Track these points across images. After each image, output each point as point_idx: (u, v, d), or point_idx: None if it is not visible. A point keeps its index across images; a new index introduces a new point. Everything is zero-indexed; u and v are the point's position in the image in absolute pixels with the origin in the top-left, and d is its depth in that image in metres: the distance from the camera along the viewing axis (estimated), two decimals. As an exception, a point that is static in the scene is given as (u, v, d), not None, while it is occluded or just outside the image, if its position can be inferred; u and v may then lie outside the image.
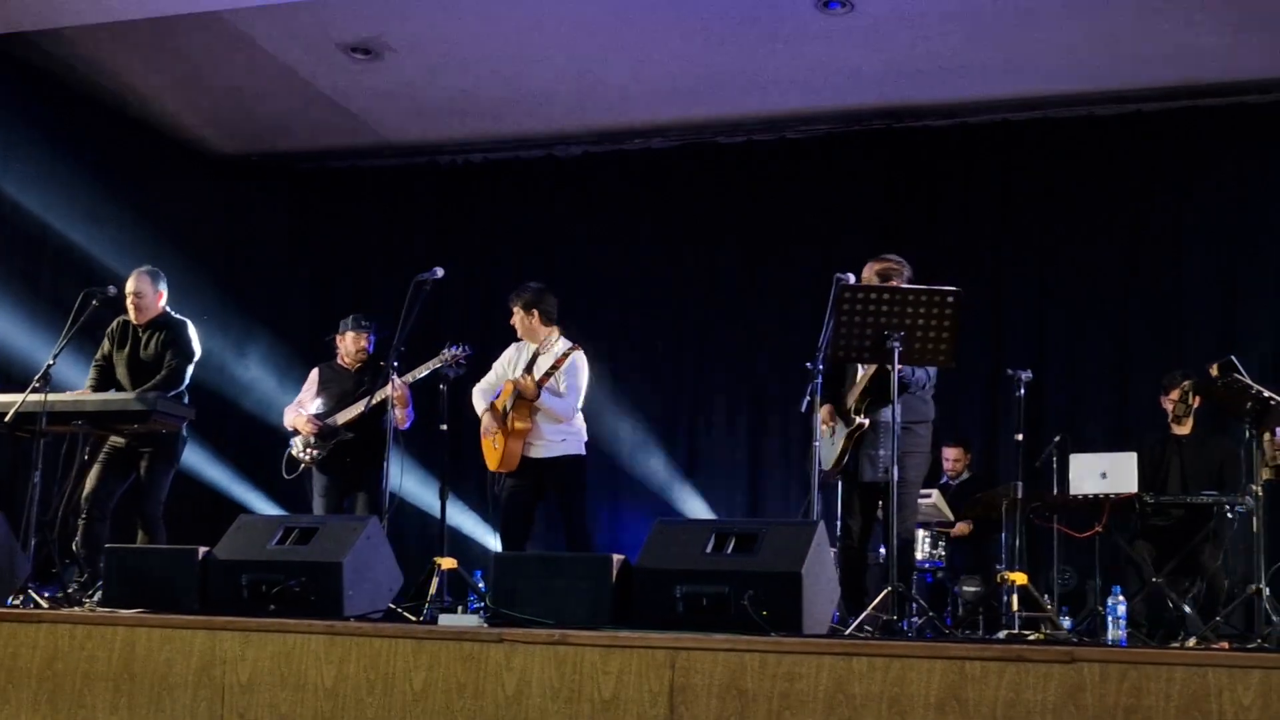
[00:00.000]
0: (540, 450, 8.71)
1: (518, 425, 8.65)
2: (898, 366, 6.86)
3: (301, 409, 9.39)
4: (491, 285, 12.97)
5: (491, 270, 13.02)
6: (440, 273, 8.76)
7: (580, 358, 8.83)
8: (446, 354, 8.86)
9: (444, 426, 8.28)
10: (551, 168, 13.04)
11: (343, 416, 9.20)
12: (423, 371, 8.84)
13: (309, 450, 9.23)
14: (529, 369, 8.72)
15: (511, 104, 12.12)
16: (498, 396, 8.87)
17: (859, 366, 7.43)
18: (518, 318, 8.97)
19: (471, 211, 13.21)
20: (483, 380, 9.02)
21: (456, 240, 13.15)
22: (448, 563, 7.71)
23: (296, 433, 9.33)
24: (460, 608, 8.05)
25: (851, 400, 7.44)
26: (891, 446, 6.87)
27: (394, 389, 8.78)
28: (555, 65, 11.24)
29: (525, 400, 8.64)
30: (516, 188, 13.10)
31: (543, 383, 8.65)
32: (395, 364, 8.59)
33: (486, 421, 8.78)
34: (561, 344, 8.89)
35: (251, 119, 12.63)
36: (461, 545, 11.25)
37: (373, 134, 12.89)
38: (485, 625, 5.91)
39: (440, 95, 11.95)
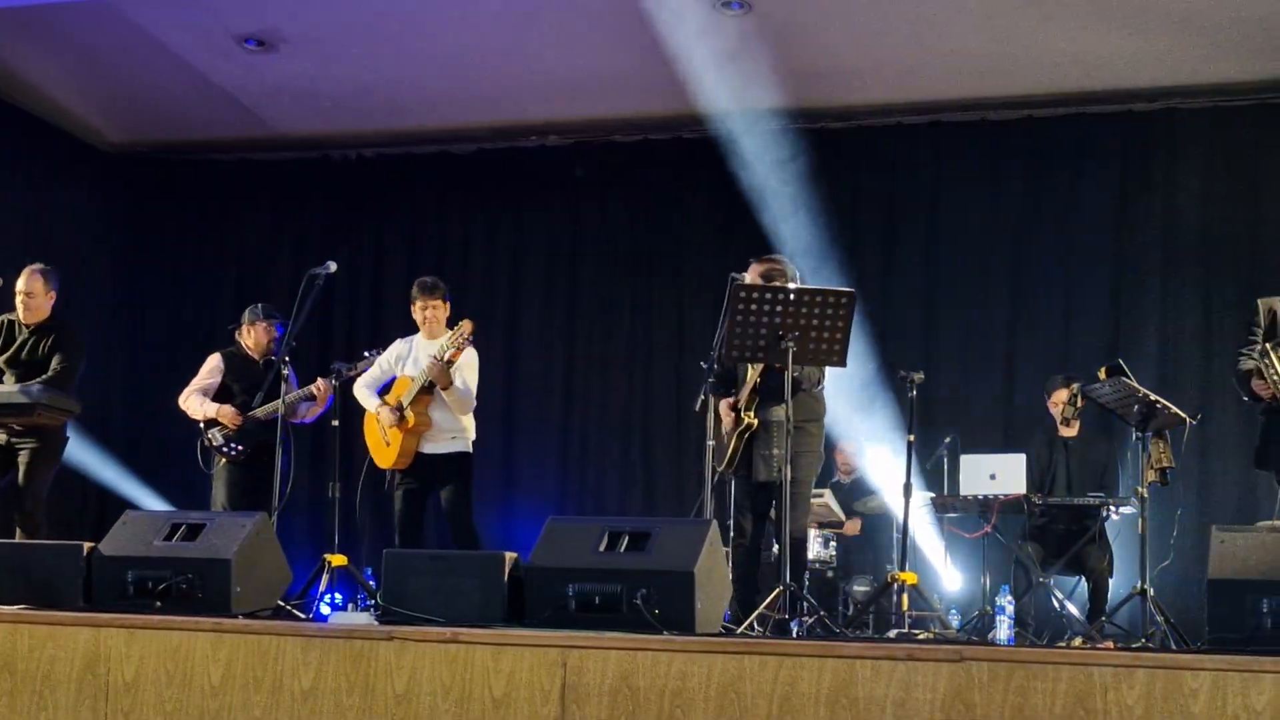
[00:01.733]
0: (434, 447, 8.68)
1: (418, 420, 8.57)
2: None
3: (206, 396, 9.22)
4: (382, 280, 12.91)
5: (383, 265, 12.93)
6: (333, 267, 8.70)
7: (473, 350, 8.79)
8: (365, 357, 8.81)
9: (335, 423, 8.23)
10: (445, 164, 12.96)
11: (264, 412, 9.06)
12: (336, 377, 8.72)
13: (233, 446, 9.07)
14: (439, 358, 8.57)
15: (406, 99, 12.03)
16: (386, 392, 8.77)
17: (749, 365, 7.44)
18: (439, 310, 8.83)
19: (363, 206, 13.10)
20: (366, 375, 8.89)
21: (348, 235, 13.05)
22: (338, 559, 7.66)
23: (212, 423, 9.15)
24: (351, 605, 8.01)
25: (742, 399, 7.45)
26: (784, 446, 6.90)
27: (319, 388, 8.76)
28: (450, 61, 11.16)
29: (426, 395, 8.56)
30: (409, 183, 13.01)
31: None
32: (287, 358, 8.51)
33: (383, 418, 8.68)
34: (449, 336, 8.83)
35: (142, 109, 12.43)
36: (352, 542, 11.15)
37: (265, 126, 12.73)
38: (375, 623, 5.87)
39: (334, 89, 11.83)
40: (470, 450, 8.86)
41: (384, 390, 8.87)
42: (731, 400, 7.50)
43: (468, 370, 8.73)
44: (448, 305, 8.91)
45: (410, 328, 9.03)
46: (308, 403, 9.03)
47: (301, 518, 11.39)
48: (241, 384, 9.26)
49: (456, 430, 8.73)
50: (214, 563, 6.31)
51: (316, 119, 12.58)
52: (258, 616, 6.19)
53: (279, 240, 13.20)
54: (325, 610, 7.39)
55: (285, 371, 8.56)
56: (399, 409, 8.60)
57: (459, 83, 11.61)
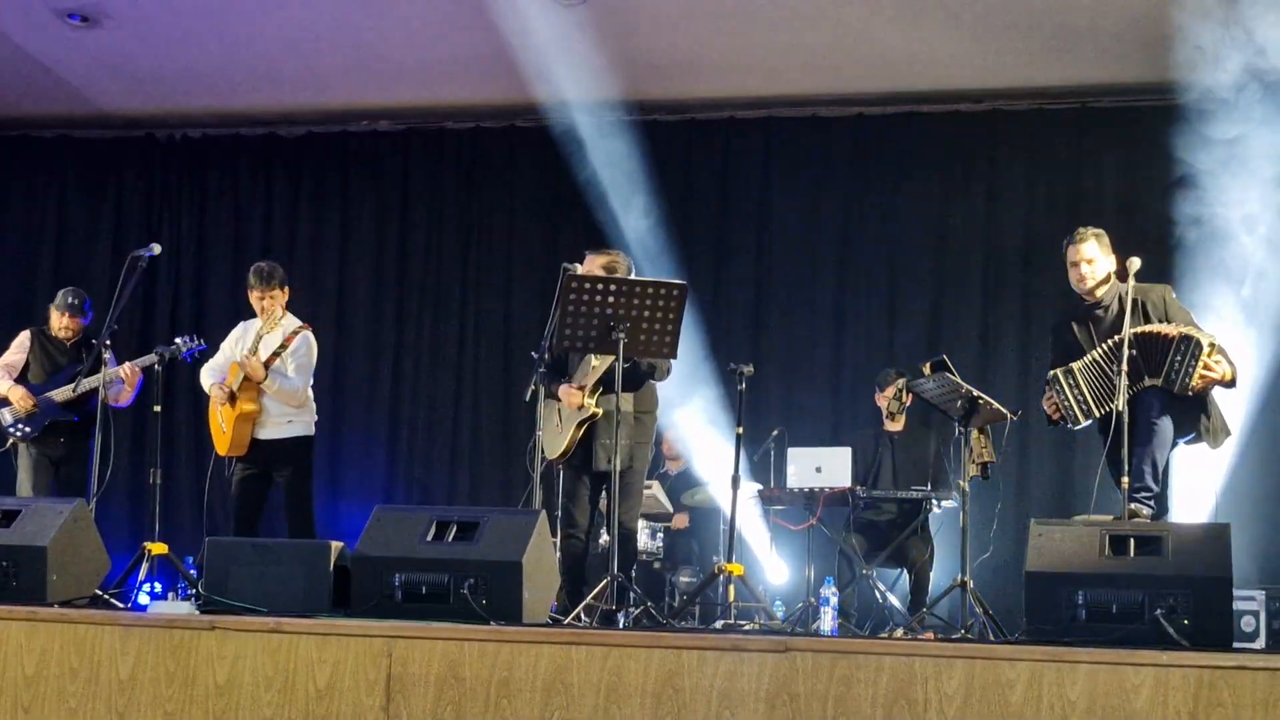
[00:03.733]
0: (269, 432, 8.60)
1: (246, 407, 8.49)
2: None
3: (9, 372, 8.98)
4: (206, 262, 12.68)
5: (208, 248, 12.70)
6: (157, 249, 8.56)
7: (309, 336, 8.70)
8: (179, 343, 8.65)
9: (157, 408, 8.08)
10: (273, 146, 12.76)
11: (60, 395, 8.84)
12: (152, 358, 8.55)
13: (20, 426, 8.84)
14: (254, 349, 8.50)
15: (234, 80, 11.82)
16: (224, 378, 8.64)
17: (590, 355, 7.43)
18: (276, 299, 8.72)
19: (187, 187, 12.84)
20: (210, 360, 8.79)
21: (172, 217, 12.80)
22: (158, 548, 7.53)
23: (3, 402, 8.91)
24: (171, 594, 7.87)
25: (586, 386, 7.44)
26: (614, 436, 6.92)
27: (125, 371, 8.57)
28: (280, 42, 11.00)
29: (253, 382, 8.45)
30: (236, 165, 12.79)
31: (269, 363, 8.47)
32: (108, 342, 8.33)
33: (214, 395, 8.56)
34: (290, 322, 8.74)
35: (-44, 82, 12.09)
36: (173, 530, 10.96)
37: (87, 103, 12.42)
38: (197, 613, 5.78)
39: (159, 67, 11.58)
40: (310, 433, 8.81)
41: None
42: (578, 385, 7.45)
43: (296, 360, 8.63)
44: (286, 291, 8.80)
45: (237, 311, 8.91)
46: (118, 385, 8.81)
47: (121, 505, 11.18)
48: (42, 364, 9.08)
49: (292, 414, 8.65)
50: (28, 550, 6.18)
51: (140, 97, 12.30)
52: (74, 606, 6.08)
53: (99, 219, 12.90)
54: (144, 600, 7.25)
55: (106, 355, 8.38)
56: (231, 396, 8.48)
57: (288, 64, 11.44)
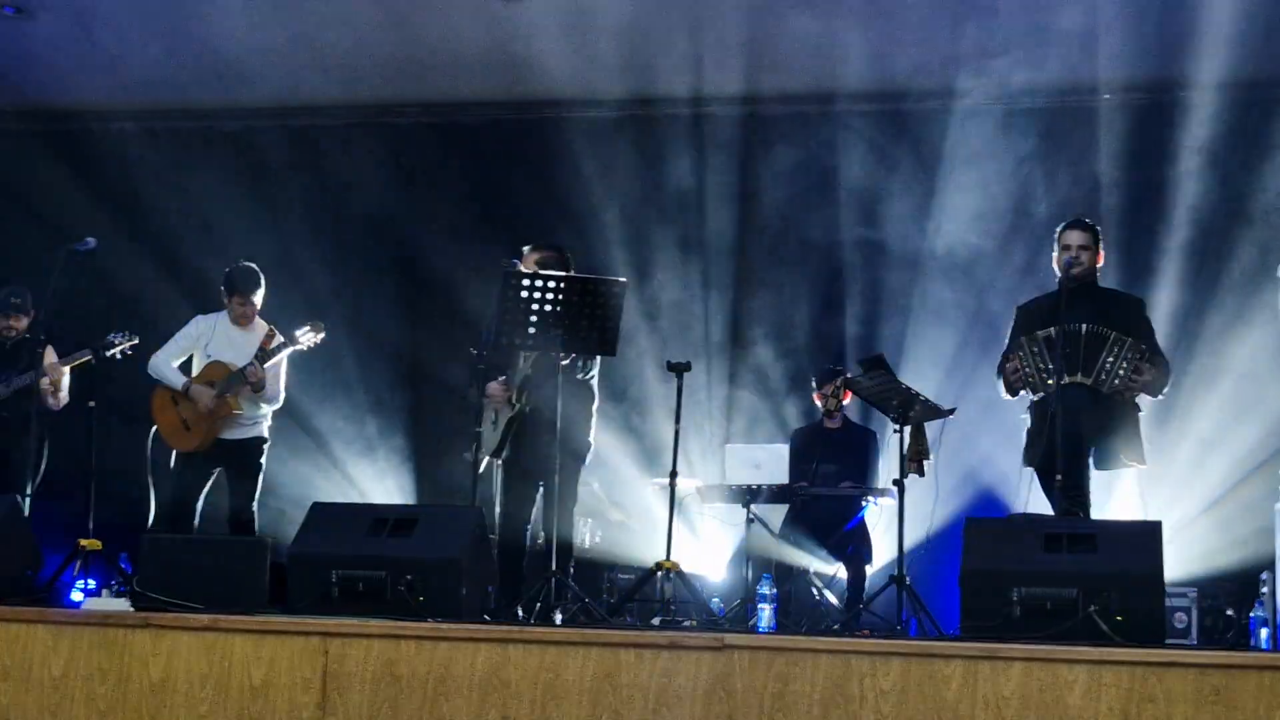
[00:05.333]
0: (239, 432, 8.68)
1: (236, 410, 8.54)
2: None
3: None
4: (142, 257, 12.56)
5: (143, 242, 12.57)
6: (92, 243, 8.52)
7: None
8: (114, 341, 8.60)
9: (92, 404, 8.01)
10: (211, 139, 12.66)
11: None
12: (84, 356, 8.49)
13: None
14: (263, 356, 8.52)
15: (170, 72, 11.71)
16: (194, 375, 8.61)
17: (522, 353, 7.43)
18: (255, 307, 8.82)
19: (122, 181, 12.70)
20: (164, 352, 8.73)
21: (106, 210, 12.64)
22: (92, 544, 7.48)
23: None
24: (105, 591, 7.82)
25: (513, 385, 7.44)
26: (555, 434, 6.92)
27: (53, 372, 8.51)
28: (218, 35, 10.90)
29: (246, 385, 8.44)
30: (171, 158, 12.67)
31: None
32: (41, 336, 8.27)
33: (203, 404, 8.51)
34: (263, 325, 8.78)
35: (-114, 72, 11.94)
36: (108, 527, 10.87)
37: (17, 94, 12.29)
38: (131, 610, 5.73)
39: (94, 58, 11.47)
40: (267, 436, 8.89)
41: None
42: (503, 383, 7.46)
43: (281, 368, 8.70)
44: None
45: (172, 304, 8.87)
46: (47, 381, 8.76)
47: (55, 500, 11.08)
48: None
49: (260, 416, 8.76)
50: (-41, 547, 6.12)
51: (75, 88, 12.18)
52: (6, 603, 6.01)
53: (28, 214, 12.75)
54: (78, 597, 7.19)
55: (41, 350, 8.33)
56: (220, 394, 8.48)
57: (226, 57, 11.34)
